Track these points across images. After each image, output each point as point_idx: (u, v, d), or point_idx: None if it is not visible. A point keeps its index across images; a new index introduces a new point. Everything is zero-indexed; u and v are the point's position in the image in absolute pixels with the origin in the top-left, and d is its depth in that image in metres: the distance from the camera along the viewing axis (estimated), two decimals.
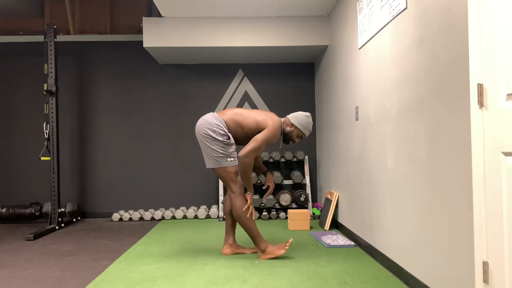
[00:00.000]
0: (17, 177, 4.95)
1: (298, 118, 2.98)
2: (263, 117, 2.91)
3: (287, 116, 3.05)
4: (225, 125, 2.87)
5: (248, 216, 2.86)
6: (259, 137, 2.82)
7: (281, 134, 3.02)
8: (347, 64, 3.52)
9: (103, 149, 4.98)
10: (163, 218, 4.75)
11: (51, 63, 4.25)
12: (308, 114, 3.02)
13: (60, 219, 4.26)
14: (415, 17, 2.19)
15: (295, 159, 4.81)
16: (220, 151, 2.81)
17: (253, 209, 2.93)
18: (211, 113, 2.95)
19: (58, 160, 4.28)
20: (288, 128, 3.00)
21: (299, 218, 3.97)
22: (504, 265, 1.43)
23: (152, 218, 4.76)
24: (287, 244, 2.88)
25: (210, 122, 2.84)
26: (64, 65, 4.94)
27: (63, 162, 4.91)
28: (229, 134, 2.86)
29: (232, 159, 2.84)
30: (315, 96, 5.07)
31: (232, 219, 3.08)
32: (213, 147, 2.82)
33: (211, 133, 2.81)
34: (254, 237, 2.88)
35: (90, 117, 4.99)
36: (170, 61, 4.92)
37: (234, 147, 2.88)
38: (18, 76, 4.98)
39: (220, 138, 2.81)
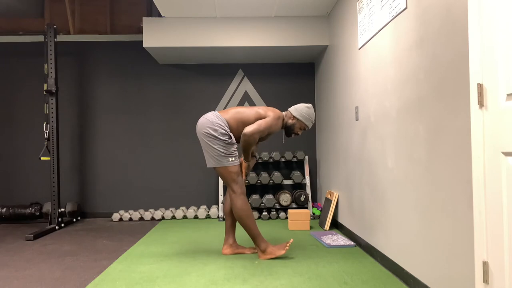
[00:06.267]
0: (17, 177, 4.95)
1: (300, 110, 3.00)
2: (264, 109, 2.97)
3: (288, 109, 3.07)
4: (227, 125, 2.87)
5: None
6: (261, 121, 2.85)
7: (283, 128, 3.03)
8: (347, 64, 3.52)
9: (103, 149, 4.98)
10: (163, 218, 4.75)
11: (51, 63, 4.25)
12: (309, 105, 3.03)
13: (60, 219, 4.26)
14: (415, 17, 2.19)
15: (295, 159, 4.81)
16: (222, 150, 2.81)
17: (244, 173, 3.00)
18: (213, 111, 2.95)
19: (58, 160, 4.28)
20: (290, 121, 3.01)
21: (299, 218, 3.97)
22: (504, 265, 1.43)
23: (152, 218, 4.76)
24: (287, 245, 2.88)
25: (211, 121, 2.84)
26: (64, 65, 4.94)
27: (63, 162, 4.91)
28: (231, 134, 2.87)
29: (233, 158, 2.83)
30: (315, 96, 5.07)
31: (232, 219, 3.08)
32: (214, 146, 2.81)
33: (212, 132, 2.81)
34: (255, 237, 2.88)
35: (90, 117, 4.99)
36: (170, 61, 4.92)
37: (235, 146, 2.88)
38: (18, 76, 4.98)
39: (222, 138, 2.81)
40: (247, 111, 2.95)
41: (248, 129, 2.80)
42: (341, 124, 3.75)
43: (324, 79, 4.49)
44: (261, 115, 2.92)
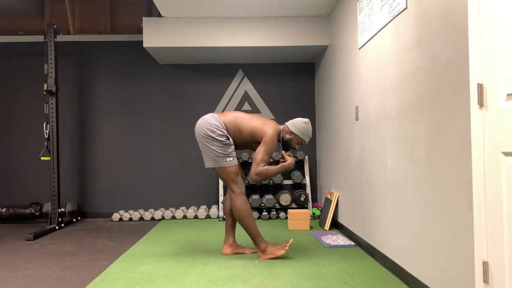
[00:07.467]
0: (17, 177, 4.95)
1: (297, 125, 2.95)
2: (260, 123, 2.90)
3: (286, 123, 3.02)
4: (225, 127, 2.87)
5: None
6: (258, 155, 2.80)
7: (280, 142, 3.02)
8: (347, 64, 3.52)
9: (103, 149, 4.98)
10: (163, 218, 4.75)
11: (51, 63, 4.25)
12: (307, 120, 2.99)
13: (60, 219, 4.26)
14: (415, 17, 2.19)
15: (295, 159, 4.81)
16: (219, 151, 2.82)
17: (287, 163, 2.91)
18: (211, 113, 2.95)
19: (58, 160, 4.28)
20: (287, 136, 2.98)
21: (299, 218, 3.97)
22: (504, 265, 1.43)
23: (152, 218, 4.76)
24: (287, 245, 2.88)
25: (209, 123, 2.85)
26: (64, 65, 4.94)
27: (63, 162, 4.91)
28: (228, 135, 2.87)
29: (231, 159, 2.84)
30: (315, 96, 5.07)
31: (232, 219, 3.08)
32: (212, 147, 2.82)
33: (210, 133, 2.82)
34: (254, 237, 2.88)
35: (90, 117, 4.99)
36: (170, 61, 4.92)
37: (233, 147, 2.88)
38: (18, 76, 4.98)
39: (219, 139, 2.81)
40: (245, 120, 2.91)
41: (252, 173, 2.80)
42: (341, 124, 3.75)
43: (324, 79, 4.49)
44: (256, 131, 2.87)
